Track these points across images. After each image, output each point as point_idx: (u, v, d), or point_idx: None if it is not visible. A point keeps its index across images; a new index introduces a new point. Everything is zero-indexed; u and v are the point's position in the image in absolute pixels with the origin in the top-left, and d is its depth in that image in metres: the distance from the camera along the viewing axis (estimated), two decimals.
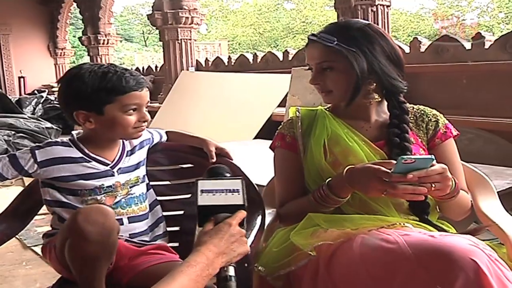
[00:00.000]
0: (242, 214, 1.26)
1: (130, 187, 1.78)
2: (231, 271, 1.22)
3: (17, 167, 1.68)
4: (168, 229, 1.92)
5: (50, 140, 1.78)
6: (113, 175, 1.75)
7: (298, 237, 1.57)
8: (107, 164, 1.75)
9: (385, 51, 1.71)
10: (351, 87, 1.71)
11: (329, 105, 1.90)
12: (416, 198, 1.52)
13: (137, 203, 1.79)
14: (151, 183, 1.92)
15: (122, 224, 1.72)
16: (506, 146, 4.54)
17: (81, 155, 1.73)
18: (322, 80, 1.74)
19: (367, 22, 1.80)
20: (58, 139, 1.77)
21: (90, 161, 1.72)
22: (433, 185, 1.49)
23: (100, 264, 1.49)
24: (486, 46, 5.09)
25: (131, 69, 1.77)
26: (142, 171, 1.85)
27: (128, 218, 1.75)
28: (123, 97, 1.66)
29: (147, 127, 1.82)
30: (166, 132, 2.03)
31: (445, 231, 1.66)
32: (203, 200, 1.26)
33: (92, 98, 1.65)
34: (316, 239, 1.52)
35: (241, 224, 1.26)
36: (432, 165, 1.48)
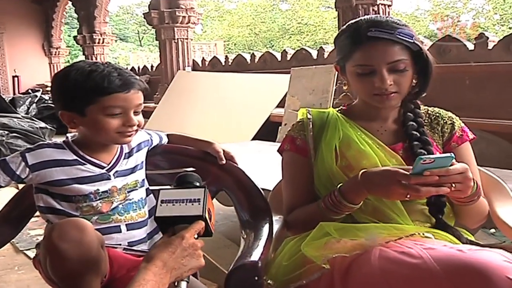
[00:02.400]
0: (199, 225, 1.24)
1: (128, 192, 1.67)
2: (182, 286, 1.20)
3: (8, 172, 1.57)
4: None
5: (41, 142, 1.66)
6: (109, 179, 1.64)
7: (309, 248, 1.48)
8: (102, 167, 1.64)
9: None
10: (412, 86, 1.66)
11: (340, 106, 1.82)
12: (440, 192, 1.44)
13: (135, 209, 1.68)
14: (150, 187, 1.82)
15: (120, 231, 1.63)
16: (509, 148, 4.49)
17: (75, 157, 1.61)
18: (393, 81, 1.61)
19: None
20: (51, 141, 1.66)
21: (84, 164, 1.62)
22: (454, 185, 1.41)
23: (86, 281, 1.39)
24: (490, 47, 5.04)
25: (127, 68, 1.64)
26: (140, 174, 1.75)
27: (126, 225, 1.65)
28: (105, 98, 1.52)
29: (142, 129, 1.73)
30: (168, 135, 1.94)
31: (466, 239, 1.57)
32: (161, 211, 1.24)
33: (75, 98, 1.54)
34: (330, 251, 1.43)
35: (203, 235, 1.25)
36: (452, 164, 1.40)
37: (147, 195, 1.75)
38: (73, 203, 1.59)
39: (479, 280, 1.20)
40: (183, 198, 1.24)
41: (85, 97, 1.53)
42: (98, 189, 1.61)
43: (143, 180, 1.76)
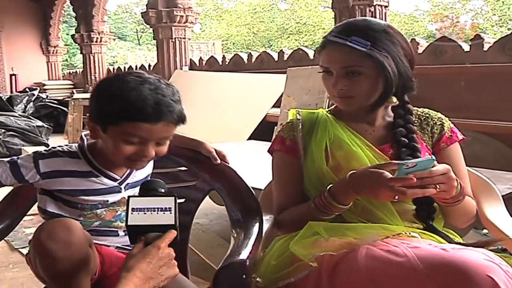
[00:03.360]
0: (172, 234, 1.25)
1: None
2: None
3: (17, 175, 1.53)
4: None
5: (56, 149, 1.57)
6: (119, 191, 1.60)
7: (298, 247, 1.49)
8: (115, 180, 1.59)
9: (405, 52, 1.65)
10: (376, 93, 1.64)
11: (331, 107, 1.83)
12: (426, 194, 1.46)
13: None
14: None
15: (117, 235, 1.63)
16: (504, 150, 4.49)
17: (90, 169, 1.55)
18: (347, 85, 1.63)
19: (385, 22, 1.74)
20: (66, 149, 1.57)
21: (99, 176, 1.56)
22: (438, 186, 1.44)
23: (76, 280, 1.37)
24: (485, 48, 5.04)
25: (173, 93, 1.48)
26: None
27: (124, 231, 1.63)
28: (128, 124, 1.40)
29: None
30: None
31: (452, 240, 1.59)
32: (133, 219, 1.24)
33: (102, 111, 1.45)
34: (318, 249, 1.44)
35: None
36: (434, 166, 1.43)
37: None
38: (77, 210, 1.56)
39: (461, 278, 1.21)
40: (154, 206, 1.25)
41: (111, 116, 1.42)
42: (107, 200, 1.58)
43: None
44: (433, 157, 1.44)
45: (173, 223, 1.24)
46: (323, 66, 1.67)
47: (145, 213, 1.24)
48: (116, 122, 1.41)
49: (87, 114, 1.55)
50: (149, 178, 1.71)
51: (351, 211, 1.59)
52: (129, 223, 1.24)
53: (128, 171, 1.62)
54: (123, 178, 1.61)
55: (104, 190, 1.57)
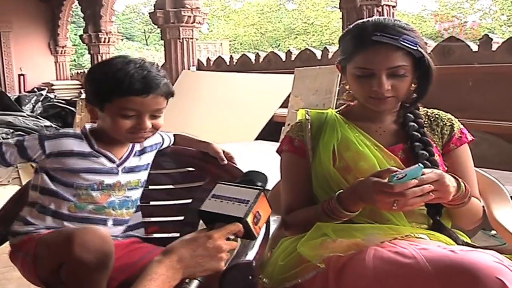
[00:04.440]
0: (234, 227, 1.19)
1: (128, 190, 1.71)
2: (193, 285, 1.16)
3: (24, 156, 1.62)
4: (169, 235, 1.88)
5: (61, 131, 1.70)
6: (116, 174, 1.67)
7: (305, 248, 1.49)
8: (114, 162, 1.68)
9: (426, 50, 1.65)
10: (410, 92, 1.66)
11: (340, 108, 1.83)
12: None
13: (129, 208, 1.72)
14: (152, 186, 1.86)
15: (106, 225, 1.66)
16: (510, 150, 4.47)
17: (90, 150, 1.65)
18: (391, 85, 1.61)
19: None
20: (70, 131, 1.68)
21: (99, 157, 1.65)
22: (431, 194, 1.41)
23: (98, 285, 1.43)
24: (493, 48, 5.02)
25: (158, 70, 1.63)
26: (144, 175, 1.78)
27: (113, 220, 1.69)
28: (120, 99, 1.54)
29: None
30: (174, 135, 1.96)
31: (459, 239, 1.58)
32: (207, 205, 1.22)
33: (97, 93, 1.59)
34: (325, 250, 1.44)
35: (243, 236, 1.21)
36: (423, 174, 1.41)
37: (136, 211, 1.77)
38: (73, 189, 1.62)
39: (469, 280, 1.20)
40: (234, 196, 1.21)
41: (105, 95, 1.56)
42: (103, 181, 1.64)
43: (145, 181, 1.78)
44: (421, 165, 1.41)
45: (242, 216, 1.17)
46: (364, 68, 1.61)
47: (221, 201, 1.20)
48: (110, 99, 1.55)
49: (86, 100, 1.66)
50: (148, 169, 1.78)
51: (359, 213, 1.58)
52: (201, 208, 1.21)
53: (126, 154, 1.71)
54: (121, 160, 1.69)
55: (101, 170, 1.65)
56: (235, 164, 1.84)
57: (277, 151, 1.82)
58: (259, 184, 1.29)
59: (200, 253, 1.15)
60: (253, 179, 1.30)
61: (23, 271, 1.63)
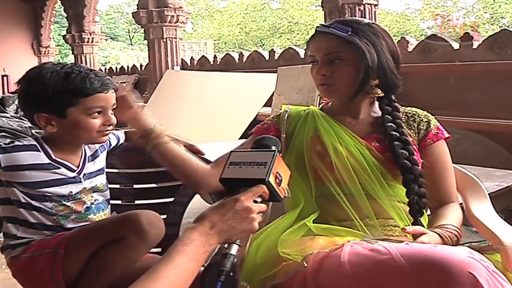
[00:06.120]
0: (259, 189, 1.18)
1: (96, 193, 1.72)
2: (233, 250, 1.16)
3: None
4: None
5: (16, 143, 1.62)
6: (80, 182, 1.67)
7: (285, 246, 1.50)
8: (73, 170, 1.66)
9: (389, 48, 1.72)
10: (357, 81, 1.68)
11: (321, 105, 1.87)
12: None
13: (104, 209, 1.74)
14: (136, 186, 1.89)
15: None
16: (494, 147, 4.51)
17: (48, 161, 1.62)
18: (329, 71, 1.69)
19: (371, 21, 1.81)
20: (25, 141, 1.62)
21: (59, 168, 1.63)
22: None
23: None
24: (474, 46, 5.06)
25: (96, 69, 1.67)
26: (104, 177, 1.79)
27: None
28: (87, 99, 1.56)
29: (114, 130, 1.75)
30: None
31: None
32: (227, 173, 1.22)
33: (54, 100, 1.55)
34: (307, 248, 1.45)
35: (269, 199, 1.20)
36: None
37: (111, 211, 1.80)
38: (47, 203, 1.61)
39: (442, 274, 1.22)
40: (251, 161, 1.21)
41: (66, 99, 1.55)
42: (71, 191, 1.64)
43: (106, 182, 1.79)
44: None
45: (263, 177, 1.17)
46: (311, 56, 1.76)
47: (240, 167, 1.21)
48: (74, 102, 1.56)
49: (34, 114, 1.59)
50: (102, 172, 1.78)
51: (357, 210, 1.62)
52: (222, 176, 1.21)
53: (82, 160, 1.70)
54: (79, 168, 1.68)
55: (66, 180, 1.64)
56: (203, 154, 1.84)
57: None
58: (273, 147, 1.29)
59: (230, 217, 1.15)
60: (266, 143, 1.30)
61: (42, 270, 1.56)
